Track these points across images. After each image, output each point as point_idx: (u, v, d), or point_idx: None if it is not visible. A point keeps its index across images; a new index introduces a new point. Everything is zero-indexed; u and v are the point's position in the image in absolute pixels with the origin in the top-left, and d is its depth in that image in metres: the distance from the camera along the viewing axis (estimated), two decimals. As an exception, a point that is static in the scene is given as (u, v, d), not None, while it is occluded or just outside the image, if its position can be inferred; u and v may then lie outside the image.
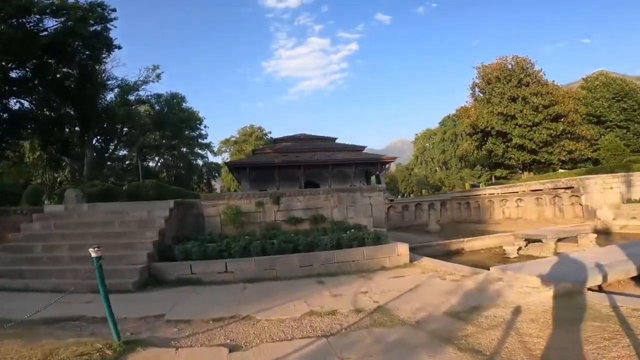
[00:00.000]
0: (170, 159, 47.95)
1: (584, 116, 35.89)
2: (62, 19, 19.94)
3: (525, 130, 33.37)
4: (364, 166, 31.83)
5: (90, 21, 21.00)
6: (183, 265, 7.26)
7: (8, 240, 8.14)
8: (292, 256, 7.72)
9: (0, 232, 9.08)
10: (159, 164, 47.49)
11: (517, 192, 18.85)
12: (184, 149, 48.00)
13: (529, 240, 11.49)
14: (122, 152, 41.68)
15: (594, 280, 5.49)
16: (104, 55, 25.31)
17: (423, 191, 60.89)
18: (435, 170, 70.45)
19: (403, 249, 8.20)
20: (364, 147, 35.08)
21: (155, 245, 7.78)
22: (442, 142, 69.08)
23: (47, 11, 19.36)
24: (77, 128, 28.62)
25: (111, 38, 23.07)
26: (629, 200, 15.49)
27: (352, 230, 9.10)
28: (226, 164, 38.51)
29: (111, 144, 38.25)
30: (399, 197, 43.82)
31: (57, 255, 7.42)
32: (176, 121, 40.37)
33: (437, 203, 22.77)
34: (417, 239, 13.71)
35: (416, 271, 7.53)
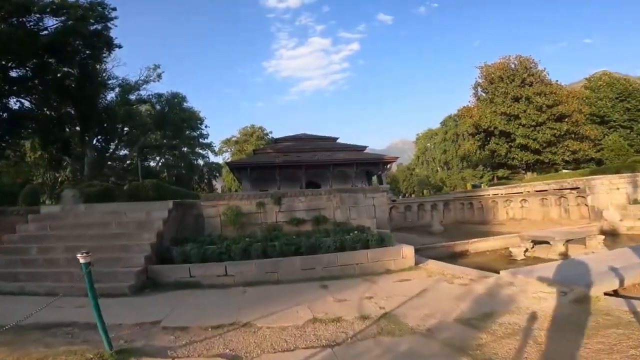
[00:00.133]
0: (171, 158, 47.75)
1: (587, 116, 35.59)
2: (63, 18, 19.81)
3: (529, 130, 33.06)
4: (365, 166, 31.59)
5: (91, 20, 20.86)
6: (181, 268, 7.04)
7: (3, 241, 7.93)
8: (294, 259, 7.49)
9: (-3, 233, 8.90)
10: (159, 163, 47.31)
11: (522, 193, 18.61)
12: (185, 149, 47.78)
13: (536, 242, 11.26)
14: (123, 152, 41.50)
15: (611, 284, 5.25)
16: (104, 55, 25.18)
17: (424, 191, 60.62)
18: (437, 171, 70.15)
19: (408, 251, 7.97)
20: (365, 147, 34.83)
21: (153, 248, 7.56)
22: (443, 142, 68.76)
23: (48, 10, 19.21)
24: (77, 128, 28.49)
25: (111, 37, 22.92)
26: (635, 201, 15.24)
27: (356, 231, 8.87)
28: (227, 163, 38.36)
29: (112, 143, 38.05)
30: (400, 197, 43.58)
31: (53, 257, 7.21)
32: (177, 121, 40.15)
33: (440, 203, 22.51)
34: (421, 240, 13.48)
35: (422, 274, 7.30)
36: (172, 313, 5.10)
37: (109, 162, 39.49)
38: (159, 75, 36.16)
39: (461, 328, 4.17)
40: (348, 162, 30.22)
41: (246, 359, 3.57)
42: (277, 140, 38.74)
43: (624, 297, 5.01)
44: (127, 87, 34.12)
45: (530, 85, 34.21)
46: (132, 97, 35.58)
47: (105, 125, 31.44)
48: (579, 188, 16.35)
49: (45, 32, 20.08)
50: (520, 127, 33.36)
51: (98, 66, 26.88)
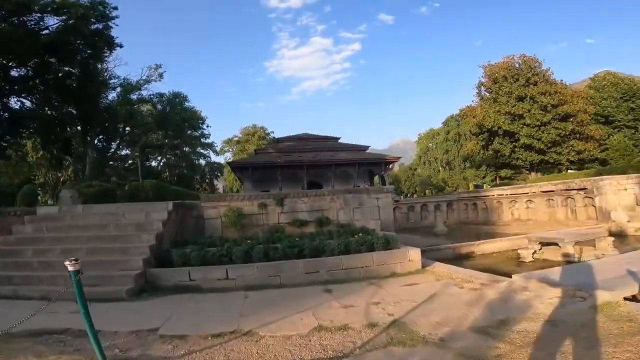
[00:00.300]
0: (172, 158, 47.62)
1: (591, 116, 35.27)
2: (63, 17, 19.63)
3: (533, 130, 32.77)
4: (368, 166, 31.30)
5: (92, 19, 20.68)
6: (181, 272, 6.81)
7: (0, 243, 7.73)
8: (297, 262, 7.25)
9: (-7, 234, 8.70)
10: (161, 163, 47.20)
11: (527, 193, 18.32)
12: (187, 149, 47.65)
13: (544, 244, 11.00)
14: (125, 152, 41.39)
15: (630, 289, 5.01)
16: (105, 54, 25.01)
17: (426, 191, 60.37)
18: (439, 171, 69.86)
19: (415, 254, 7.73)
20: (367, 147, 34.54)
21: (152, 250, 7.34)
22: (445, 142, 68.48)
23: (48, 9, 19.04)
24: (78, 127, 28.34)
25: (112, 36, 22.74)
26: (644, 202, 14.96)
27: (360, 233, 8.63)
28: (228, 163, 38.12)
29: (113, 143, 37.94)
30: (402, 197, 43.28)
31: (48, 260, 6.99)
32: (178, 121, 40.01)
33: (443, 204, 22.23)
34: (425, 242, 13.23)
35: (429, 278, 7.06)
36: (171, 319, 4.88)
37: (111, 162, 39.39)
38: (161, 75, 36.06)
39: (476, 337, 3.93)
40: (350, 162, 29.95)
41: (248, 371, 3.34)
42: (278, 140, 38.48)
43: (644, 302, 4.77)
44: (128, 87, 33.98)
45: (535, 85, 33.91)
46: (134, 96, 35.46)
47: (106, 125, 31.34)
48: (586, 189, 16.08)
49: (46, 31, 19.93)
50: (525, 126, 33.06)
51: (99, 65, 26.75)
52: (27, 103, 23.44)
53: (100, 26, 21.07)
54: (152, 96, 37.66)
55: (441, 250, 11.05)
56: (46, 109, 24.06)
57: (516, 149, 34.52)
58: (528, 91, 33.51)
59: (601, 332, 3.76)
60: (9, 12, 16.99)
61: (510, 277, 6.36)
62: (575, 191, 16.50)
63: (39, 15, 18.79)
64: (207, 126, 47.64)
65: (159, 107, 39.28)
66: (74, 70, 22.69)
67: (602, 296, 4.71)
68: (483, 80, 38.59)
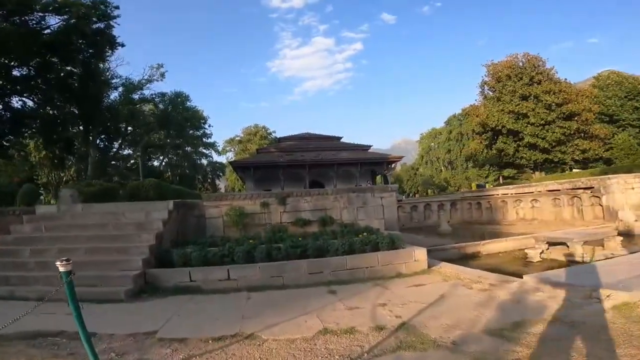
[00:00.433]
0: (175, 158, 47.54)
1: (596, 115, 34.96)
2: (65, 17, 19.53)
3: (537, 129, 32.46)
4: (370, 166, 31.14)
5: (93, 19, 20.59)
6: (181, 272, 6.64)
7: (-4, 243, 7.58)
8: (301, 262, 7.07)
9: (-9, 234, 8.57)
10: (163, 163, 47.14)
11: (533, 193, 18.07)
12: (189, 149, 47.55)
13: (551, 243, 10.78)
14: (127, 152, 41.33)
15: (648, 290, 4.80)
16: (107, 54, 24.92)
17: (428, 191, 60.10)
18: (441, 170, 69.56)
19: (421, 254, 7.53)
20: (369, 147, 34.37)
21: (152, 250, 7.18)
22: (447, 141, 68.16)
23: (50, 9, 18.94)
24: (81, 127, 28.26)
25: (114, 36, 22.67)
26: (651, 201, 14.71)
27: (364, 233, 8.45)
28: (230, 163, 37.99)
29: (115, 143, 37.85)
30: (404, 197, 43.02)
31: (46, 260, 6.82)
32: (180, 120, 39.86)
33: (447, 203, 22.04)
34: (429, 241, 13.02)
35: (436, 278, 6.86)
36: (170, 322, 4.70)
37: (113, 162, 39.32)
38: (162, 75, 35.95)
39: (491, 340, 3.74)
40: (352, 162, 29.79)
41: (250, 378, 3.16)
42: (280, 140, 38.35)
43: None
44: (130, 87, 33.88)
45: (539, 84, 33.60)
46: (136, 96, 35.35)
47: (108, 124, 31.25)
48: (593, 188, 15.82)
49: (48, 30, 19.83)
50: (529, 125, 32.77)
51: (101, 65, 26.64)
52: (29, 102, 23.39)
53: (102, 25, 20.99)
54: (154, 96, 37.57)
55: (446, 250, 10.84)
56: (48, 108, 23.97)
57: (520, 148, 34.22)
58: (532, 90, 33.20)
59: (622, 334, 3.58)
60: (10, 11, 16.90)
61: (521, 277, 6.17)
62: (582, 190, 16.25)
63: (40, 14, 18.71)
64: (209, 126, 47.57)
65: (161, 106, 39.17)
66: (75, 70, 22.61)
67: (619, 297, 4.51)
68: (486, 79, 38.29)
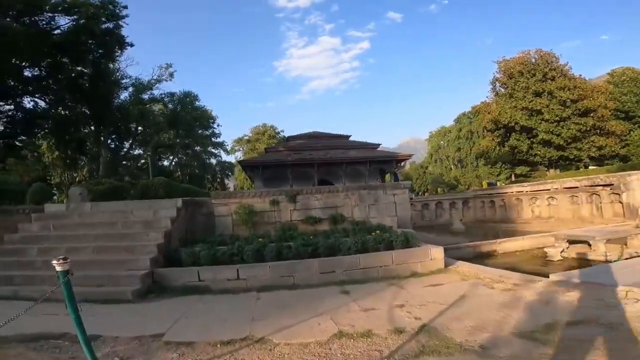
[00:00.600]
0: (184, 158, 47.67)
1: (611, 111, 34.04)
2: (74, 17, 19.56)
3: (552, 126, 31.69)
4: (379, 164, 30.75)
5: (102, 18, 20.57)
6: (190, 272, 6.45)
7: (4, 241, 7.49)
8: (312, 261, 6.83)
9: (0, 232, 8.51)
10: (173, 163, 47.31)
11: (549, 190, 17.53)
12: (198, 148, 47.64)
13: (571, 242, 10.37)
14: (137, 151, 41.50)
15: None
16: (117, 54, 24.94)
17: (438, 189, 59.32)
18: (450, 169, 68.63)
19: (437, 252, 7.23)
20: (378, 145, 33.97)
21: (160, 249, 7.01)
22: (457, 139, 67.18)
23: (59, 9, 18.98)
24: (92, 127, 28.43)
25: (123, 36, 22.61)
26: (673, 198, 14.11)
27: (377, 231, 8.16)
28: (239, 162, 37.92)
29: (126, 143, 38.08)
30: (413, 195, 42.45)
31: (52, 259, 6.70)
32: (189, 120, 39.92)
33: (459, 201, 21.62)
34: (442, 240, 12.71)
35: (454, 278, 6.56)
36: (178, 324, 4.50)
37: (124, 162, 39.55)
38: (171, 75, 36.01)
39: (523, 343, 3.44)
40: (361, 160, 29.44)
41: (262, 386, 2.93)
42: (289, 139, 38.14)
43: None
44: (140, 87, 34.02)
45: (553, 80, 32.81)
46: (145, 96, 35.49)
47: (119, 124, 31.39)
48: (612, 185, 15.27)
49: (58, 31, 19.89)
50: (543, 122, 32.00)
51: (111, 65, 26.71)
52: (41, 103, 23.56)
53: (111, 25, 20.96)
54: (163, 95, 37.68)
55: (461, 249, 10.51)
56: (60, 109, 24.12)
57: (534, 145, 33.46)
58: (546, 86, 32.43)
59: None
60: (20, 11, 16.95)
61: (545, 276, 5.86)
62: (601, 187, 15.69)
63: (50, 14, 18.74)
64: (218, 125, 47.60)
65: (170, 106, 39.30)
66: (86, 70, 22.68)
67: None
68: (498, 75, 37.56)
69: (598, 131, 32.56)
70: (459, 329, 3.96)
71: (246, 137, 58.64)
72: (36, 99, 23.18)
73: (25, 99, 22.80)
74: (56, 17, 19.68)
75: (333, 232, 8.73)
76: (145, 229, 7.81)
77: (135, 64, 59.07)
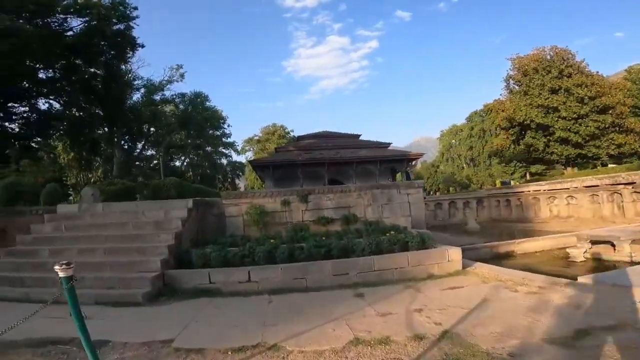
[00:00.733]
0: (196, 158, 47.95)
1: (630, 108, 32.99)
2: (86, 19, 19.76)
3: (569, 123, 30.82)
4: (390, 163, 30.37)
5: (113, 20, 20.75)
6: (201, 274, 6.32)
7: (16, 243, 7.50)
8: (325, 263, 6.64)
9: (13, 233, 8.54)
10: (185, 163, 47.67)
11: (568, 189, 17.03)
12: (209, 148, 47.90)
13: (594, 242, 9.96)
14: (150, 152, 41.94)
15: None
16: (128, 55, 25.15)
17: (450, 189, 58.55)
18: (462, 167, 67.74)
19: (455, 253, 6.97)
20: (389, 144, 33.58)
21: (171, 250, 6.90)
22: (469, 138, 66.30)
23: (71, 10, 19.19)
24: (106, 128, 28.77)
25: (134, 37, 22.81)
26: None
27: (392, 232, 7.93)
28: (249, 162, 37.96)
29: (139, 143, 38.52)
30: (425, 194, 41.84)
31: (64, 260, 6.65)
32: (200, 120, 40.13)
33: (473, 201, 21.20)
34: (457, 240, 12.41)
35: (473, 280, 6.29)
36: (188, 329, 4.35)
37: (137, 162, 40.00)
38: (182, 75, 36.23)
39: (556, 351, 3.19)
40: (372, 159, 29.11)
41: (275, 398, 2.75)
42: (299, 138, 38.01)
43: None
44: (151, 88, 34.31)
45: (569, 77, 31.93)
46: (157, 97, 35.78)
47: (131, 125, 31.72)
48: (634, 183, 14.73)
49: (70, 32, 20.12)
50: (560, 119, 31.15)
51: (123, 67, 26.96)
52: (56, 105, 23.91)
53: (122, 27, 21.13)
54: (174, 96, 37.95)
55: (478, 250, 10.20)
56: (74, 110, 24.44)
57: (550, 143, 32.60)
58: (562, 83, 31.57)
59: None
60: (32, 13, 17.14)
61: (571, 279, 5.56)
62: (623, 186, 15.15)
63: (62, 16, 18.95)
64: (228, 125, 47.71)
65: (181, 107, 39.57)
66: (99, 72, 22.92)
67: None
68: (512, 73, 36.75)
69: (617, 129, 31.59)
70: (484, 335, 3.73)
71: (256, 137, 58.78)
72: (51, 101, 23.54)
73: (40, 101, 23.19)
74: (68, 19, 19.91)
75: (346, 232, 8.53)
76: (156, 229, 7.72)
77: (146, 65, 59.74)
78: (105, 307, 5.36)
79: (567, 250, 9.59)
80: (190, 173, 45.83)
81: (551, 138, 32.49)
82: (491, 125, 55.27)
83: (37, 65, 20.37)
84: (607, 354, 3.04)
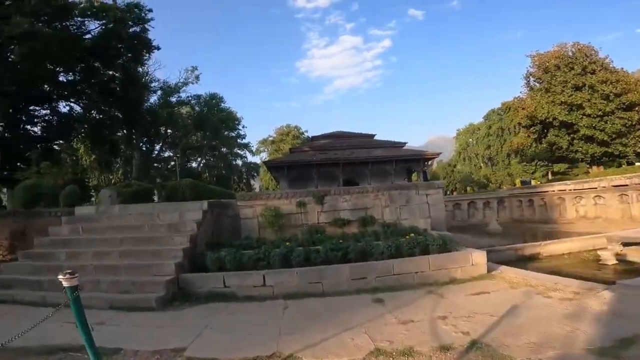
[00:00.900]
0: (211, 159, 48.38)
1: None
2: (103, 21, 20.07)
3: (595, 121, 29.67)
4: (406, 163, 29.87)
5: (129, 22, 21.03)
6: (215, 277, 6.19)
7: (34, 245, 7.54)
8: (342, 267, 6.41)
9: (32, 235, 8.62)
10: (201, 164, 48.17)
11: (596, 188, 16.29)
12: (224, 149, 48.26)
13: (626, 244, 9.40)
14: (167, 154, 42.54)
15: None
16: (144, 57, 25.47)
17: (467, 188, 57.37)
18: (480, 167, 66.24)
19: (479, 257, 6.64)
20: (404, 143, 33.06)
21: (186, 253, 6.79)
22: (487, 137, 64.74)
23: (88, 13, 19.52)
24: (124, 131, 29.25)
25: (150, 39, 23.07)
26: None
27: (411, 234, 7.64)
28: (264, 163, 38.03)
29: (156, 145, 39.13)
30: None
31: (80, 264, 6.63)
32: (215, 122, 40.45)
33: (493, 201, 20.60)
34: (479, 242, 12.00)
35: (501, 285, 5.95)
36: (201, 336, 4.19)
37: (155, 164, 40.64)
38: (197, 77, 36.61)
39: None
40: (387, 159, 28.68)
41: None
42: (313, 139, 37.87)
43: None
44: (168, 90, 34.74)
45: (593, 73, 30.77)
46: (173, 99, 36.22)
47: (149, 127, 32.20)
48: (668, 181, 13.95)
49: (88, 35, 20.48)
50: (585, 117, 30.00)
51: (140, 69, 27.35)
52: (77, 107, 24.43)
53: (138, 29, 21.39)
54: (189, 98, 38.38)
55: (502, 252, 9.79)
56: (93, 112, 24.91)
57: (575, 141, 31.45)
58: (586, 80, 30.43)
59: None
60: (51, 15, 17.47)
61: (611, 283, 5.17)
62: (655, 184, 14.39)
63: (80, 19, 19.30)
64: (243, 126, 47.95)
65: (197, 108, 39.98)
66: (117, 74, 23.28)
67: None
68: (532, 70, 35.67)
69: (644, 126, 30.24)
70: (517, 345, 3.44)
71: (271, 138, 58.89)
72: (71, 103, 24.06)
73: (61, 104, 23.72)
74: (86, 22, 20.27)
75: (363, 235, 8.28)
76: (171, 232, 7.64)
77: (162, 67, 60.71)
78: (119, 312, 5.27)
79: (598, 252, 9.08)
80: (207, 174, 46.27)
81: (575, 136, 31.34)
82: (510, 124, 53.83)
83: (57, 69, 20.82)
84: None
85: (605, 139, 29.76)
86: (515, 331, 3.83)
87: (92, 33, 20.21)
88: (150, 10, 21.21)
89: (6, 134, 20.69)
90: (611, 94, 29.42)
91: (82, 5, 18.75)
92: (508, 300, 4.96)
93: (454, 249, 7.01)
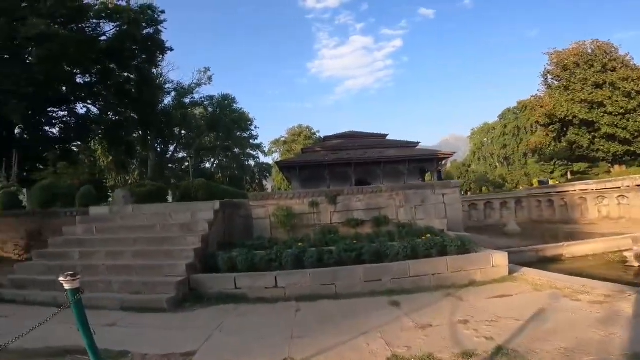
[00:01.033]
0: (224, 160, 48.72)
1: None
2: (118, 23, 20.36)
3: (616, 119, 28.69)
4: (419, 163, 29.47)
5: (143, 24, 21.29)
6: (226, 278, 6.07)
7: (48, 245, 7.58)
8: (356, 268, 6.22)
9: (48, 235, 8.71)
10: (214, 165, 48.57)
11: (619, 188, 15.64)
12: (237, 150, 48.54)
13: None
14: (181, 154, 43.05)
15: None
16: (158, 59, 25.77)
17: (483, 188, 56.32)
18: (495, 167, 65.04)
19: (501, 258, 6.37)
20: (417, 143, 32.61)
21: (198, 253, 6.70)
22: (502, 136, 63.55)
23: (103, 15, 19.82)
24: (140, 132, 29.68)
25: (163, 40, 23.34)
26: None
27: (428, 235, 7.40)
28: (276, 163, 38.10)
29: (171, 146, 39.62)
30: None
31: (93, 263, 6.63)
32: (228, 122, 40.69)
33: (511, 201, 20.05)
34: (497, 243, 11.58)
35: (525, 288, 5.68)
36: (211, 340, 4.06)
37: (170, 165, 41.16)
38: (210, 78, 36.89)
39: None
40: (400, 159, 28.34)
41: None
42: (325, 139, 37.72)
43: None
44: (181, 91, 35.10)
45: (613, 71, 29.80)
46: (186, 100, 36.59)
47: (163, 128, 32.61)
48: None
49: (103, 37, 20.81)
50: (606, 115, 29.05)
51: (154, 70, 27.68)
52: (93, 109, 24.88)
53: (151, 31, 21.65)
54: (203, 99, 38.71)
55: (522, 253, 9.42)
56: (110, 114, 25.33)
57: (596, 139, 30.49)
58: (607, 77, 29.47)
59: None
60: (67, 17, 17.77)
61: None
62: (683, 184, 13.73)
63: (95, 21, 19.60)
64: (255, 127, 48.17)
65: (210, 109, 40.30)
66: (132, 76, 23.61)
67: None
68: (550, 68, 34.72)
69: (667, 124, 29.04)
70: (547, 351, 3.21)
71: (282, 139, 59.01)
72: (88, 105, 24.51)
73: (78, 105, 24.19)
74: (101, 24, 20.59)
75: (377, 235, 8.06)
76: (183, 232, 7.58)
77: (176, 69, 61.37)
78: (130, 313, 5.21)
79: (624, 254, 8.66)
80: (220, 175, 46.60)
81: (596, 134, 30.36)
82: (527, 123, 52.52)
83: (74, 70, 21.21)
84: None
85: (627, 137, 28.75)
86: (543, 336, 3.59)
87: (107, 35, 20.55)
88: (163, 12, 21.47)
89: (25, 136, 21.18)
90: (633, 92, 28.43)
91: (97, 7, 19.04)
92: (533, 304, 4.70)
93: (473, 250, 6.75)
